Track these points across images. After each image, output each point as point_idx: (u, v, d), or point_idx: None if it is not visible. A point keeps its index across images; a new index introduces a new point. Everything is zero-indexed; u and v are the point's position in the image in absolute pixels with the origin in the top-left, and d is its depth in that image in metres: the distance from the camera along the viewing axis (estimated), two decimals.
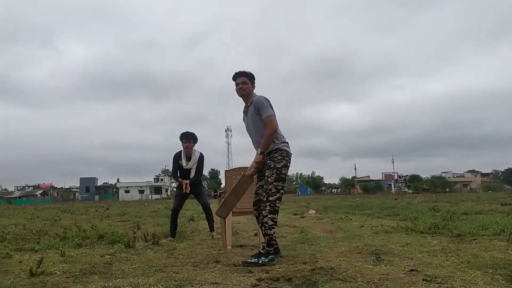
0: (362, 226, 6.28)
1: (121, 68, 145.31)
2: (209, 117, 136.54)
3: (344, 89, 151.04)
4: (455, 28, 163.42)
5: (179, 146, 5.51)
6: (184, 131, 5.45)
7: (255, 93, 3.71)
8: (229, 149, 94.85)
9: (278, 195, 3.43)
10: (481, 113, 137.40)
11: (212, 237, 5.38)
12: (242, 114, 3.83)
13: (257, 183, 3.70)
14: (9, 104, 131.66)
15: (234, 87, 3.68)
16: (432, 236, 4.68)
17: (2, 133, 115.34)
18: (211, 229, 5.56)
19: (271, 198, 3.39)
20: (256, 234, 5.26)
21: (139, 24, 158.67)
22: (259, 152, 3.52)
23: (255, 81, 3.74)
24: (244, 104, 3.77)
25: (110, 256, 3.80)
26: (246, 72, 3.68)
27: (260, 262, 3.21)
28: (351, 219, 7.94)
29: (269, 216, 3.35)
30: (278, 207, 3.44)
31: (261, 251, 3.34)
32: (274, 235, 3.39)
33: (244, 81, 3.65)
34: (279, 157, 3.48)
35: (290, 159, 3.57)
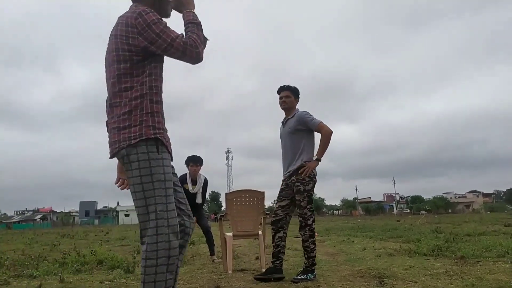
0: (365, 249, 6.21)
1: None
2: (210, 139, 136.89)
3: (343, 110, 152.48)
4: (452, 49, 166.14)
5: (180, 168, 5.52)
6: (191, 155, 5.46)
7: (297, 108, 3.85)
8: (229, 171, 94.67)
9: (313, 217, 3.60)
10: (481, 133, 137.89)
11: (212, 261, 5.32)
12: (280, 124, 3.97)
13: (276, 203, 3.81)
14: (10, 127, 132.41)
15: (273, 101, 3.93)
16: (435, 259, 4.62)
17: (2, 156, 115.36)
18: (212, 253, 5.50)
19: (309, 222, 3.55)
20: (257, 258, 5.20)
21: None
22: (315, 159, 3.64)
23: (299, 96, 3.89)
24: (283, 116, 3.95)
25: (109, 282, 3.76)
26: (290, 86, 3.85)
27: (308, 278, 3.43)
28: (353, 242, 7.85)
29: (309, 240, 3.53)
30: (314, 228, 3.60)
31: (307, 268, 3.52)
32: (315, 256, 3.56)
33: (287, 95, 3.81)
34: (307, 179, 3.58)
35: (316, 178, 3.69)
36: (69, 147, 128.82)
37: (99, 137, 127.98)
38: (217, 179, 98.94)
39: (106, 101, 1.92)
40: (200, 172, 5.48)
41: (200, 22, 1.92)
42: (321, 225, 18.29)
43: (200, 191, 5.41)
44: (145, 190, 1.72)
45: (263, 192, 4.45)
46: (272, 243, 3.77)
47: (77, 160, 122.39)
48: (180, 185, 2.01)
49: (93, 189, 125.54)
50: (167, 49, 1.79)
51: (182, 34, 1.85)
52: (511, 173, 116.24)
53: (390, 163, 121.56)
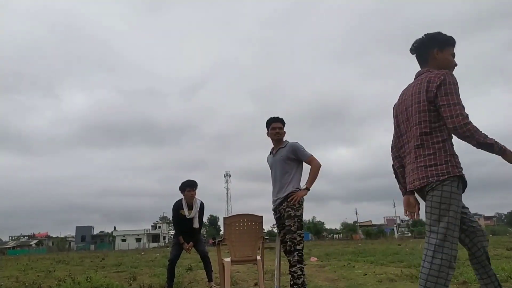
0: (366, 274, 6.10)
1: (120, 116, 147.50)
2: (208, 163, 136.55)
3: (341, 133, 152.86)
4: None
5: (178, 192, 5.44)
6: (186, 180, 5.39)
7: (286, 140, 3.97)
8: (228, 195, 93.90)
9: (303, 243, 3.57)
10: (479, 155, 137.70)
11: (210, 287, 5.21)
12: (269, 154, 4.10)
13: (280, 233, 3.81)
14: (7, 152, 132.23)
15: (268, 130, 4.01)
16: None
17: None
18: (210, 279, 5.39)
19: (298, 247, 3.52)
20: (256, 284, 5.10)
21: (139, 72, 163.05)
22: (304, 188, 3.71)
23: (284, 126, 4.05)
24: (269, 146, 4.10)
25: None
26: (281, 118, 4.03)
27: None
28: (354, 267, 7.72)
29: (297, 265, 3.46)
30: (303, 254, 3.55)
31: None
32: (303, 284, 3.44)
33: (280, 126, 4.00)
34: (297, 205, 3.61)
35: (303, 205, 3.73)
36: (66, 172, 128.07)
37: (96, 162, 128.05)
38: (216, 202, 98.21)
39: (397, 145, 2.50)
40: (196, 196, 5.42)
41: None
42: (321, 249, 18.02)
43: (197, 215, 5.34)
44: (441, 216, 2.14)
45: (262, 217, 4.40)
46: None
47: (74, 185, 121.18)
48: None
49: (90, 214, 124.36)
50: (442, 107, 2.15)
51: (463, 113, 2.11)
52: (511, 196, 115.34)
53: (389, 185, 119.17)
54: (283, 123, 4.02)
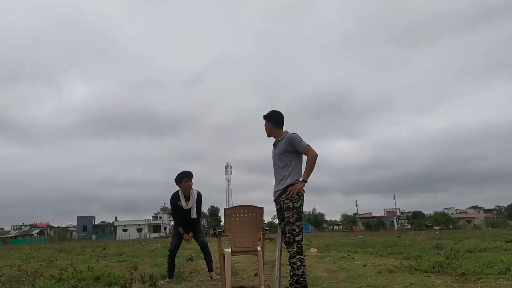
0: (365, 265, 6.14)
1: (121, 107, 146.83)
2: (209, 154, 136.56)
3: (343, 125, 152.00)
4: (450, 66, 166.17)
5: (170, 185, 5.40)
6: (181, 171, 5.37)
7: (286, 130, 3.97)
8: (228, 186, 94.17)
9: (302, 235, 3.60)
10: (481, 148, 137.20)
11: (211, 277, 5.25)
12: (272, 146, 4.11)
13: (281, 224, 3.84)
14: (8, 142, 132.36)
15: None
16: (436, 276, 4.58)
17: (0, 171, 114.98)
18: (210, 269, 5.43)
19: (297, 239, 3.55)
20: (256, 274, 5.13)
21: (141, 64, 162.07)
22: (301, 180, 3.70)
23: (276, 118, 4.00)
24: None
25: None
26: (265, 114, 4.04)
27: None
28: (353, 258, 7.77)
29: (297, 257, 3.51)
30: (302, 246, 3.58)
31: (291, 286, 3.47)
32: (302, 274, 3.48)
33: (264, 123, 4.05)
34: (296, 196, 3.62)
35: (303, 197, 3.73)
36: (68, 162, 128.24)
37: (97, 152, 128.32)
38: (217, 193, 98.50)
39: None
40: (193, 187, 5.41)
41: None
42: (321, 240, 18.11)
43: (194, 206, 5.35)
44: None
45: (262, 208, 4.42)
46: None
47: (75, 175, 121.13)
48: None
49: (91, 204, 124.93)
50: None
51: None
52: (511, 189, 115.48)
53: (390, 178, 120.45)
54: (268, 118, 4.00)
